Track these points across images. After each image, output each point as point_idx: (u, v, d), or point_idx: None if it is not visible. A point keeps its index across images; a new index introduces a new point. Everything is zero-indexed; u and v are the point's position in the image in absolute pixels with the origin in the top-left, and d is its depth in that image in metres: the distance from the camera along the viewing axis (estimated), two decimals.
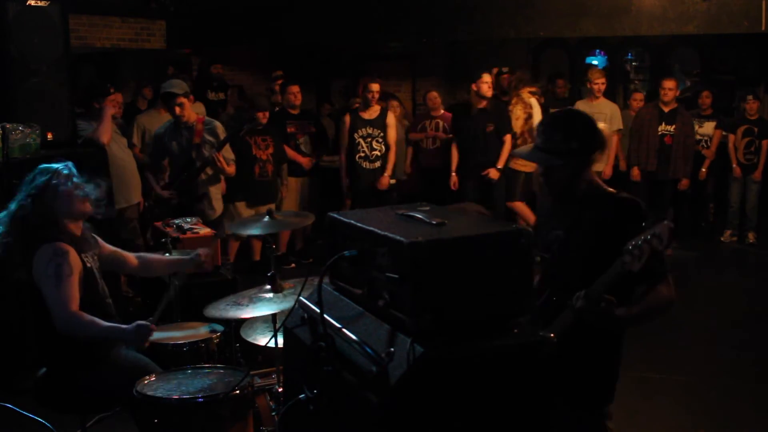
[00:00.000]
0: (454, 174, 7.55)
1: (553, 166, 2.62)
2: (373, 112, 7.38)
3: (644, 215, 2.58)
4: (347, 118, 7.40)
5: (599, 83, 7.91)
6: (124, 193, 6.33)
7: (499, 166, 7.45)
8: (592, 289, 2.45)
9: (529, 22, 8.57)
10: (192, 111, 5.67)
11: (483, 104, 7.44)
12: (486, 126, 7.44)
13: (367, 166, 7.34)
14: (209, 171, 5.62)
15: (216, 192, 5.79)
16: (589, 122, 2.65)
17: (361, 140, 7.31)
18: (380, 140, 7.35)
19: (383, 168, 7.40)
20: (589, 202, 2.65)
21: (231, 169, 5.70)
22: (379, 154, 7.35)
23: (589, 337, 2.58)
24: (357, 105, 7.73)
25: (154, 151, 5.88)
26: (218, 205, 5.79)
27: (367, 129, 7.34)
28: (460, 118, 7.65)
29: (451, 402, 1.99)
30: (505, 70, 8.08)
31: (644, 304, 2.56)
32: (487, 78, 7.41)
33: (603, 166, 7.83)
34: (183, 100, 5.52)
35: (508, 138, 7.46)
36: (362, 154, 7.32)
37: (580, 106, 7.98)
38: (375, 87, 7.29)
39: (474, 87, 7.48)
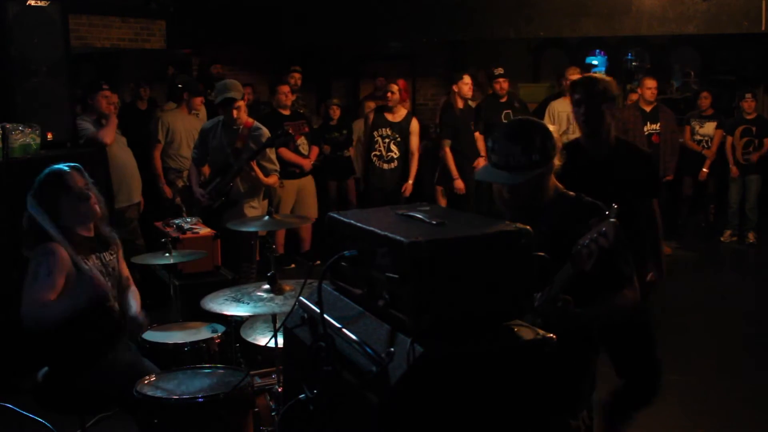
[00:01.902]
0: (459, 179, 7.49)
1: (524, 184, 2.54)
2: (398, 116, 7.40)
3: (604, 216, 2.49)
4: (371, 116, 7.39)
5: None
6: (124, 192, 6.34)
7: (483, 155, 7.66)
8: (548, 290, 2.43)
9: (529, 22, 8.58)
10: (245, 114, 5.47)
11: (463, 103, 7.61)
12: (470, 124, 7.62)
13: (382, 166, 7.34)
14: (246, 184, 5.36)
15: (252, 202, 5.47)
16: (544, 130, 2.58)
17: (379, 139, 7.32)
18: (397, 143, 7.34)
19: (400, 171, 7.41)
20: (554, 209, 2.61)
21: (270, 180, 5.42)
22: (394, 156, 7.37)
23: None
24: (335, 108, 8.03)
25: (199, 143, 5.70)
26: (251, 213, 5.42)
27: (388, 130, 7.34)
28: (448, 119, 7.68)
29: (451, 402, 1.99)
30: (498, 72, 8.02)
31: (606, 306, 2.55)
32: (467, 80, 7.55)
33: None
34: (240, 103, 5.33)
35: (479, 136, 7.74)
36: (378, 153, 7.33)
37: (557, 105, 7.98)
38: (395, 87, 7.38)
39: (455, 88, 7.61)
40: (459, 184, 7.49)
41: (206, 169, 5.80)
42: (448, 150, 7.55)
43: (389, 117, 7.39)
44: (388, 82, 7.55)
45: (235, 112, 5.31)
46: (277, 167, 5.53)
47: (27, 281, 3.15)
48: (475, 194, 7.69)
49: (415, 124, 7.51)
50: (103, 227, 3.47)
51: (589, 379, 2.75)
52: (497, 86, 7.92)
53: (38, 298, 3.09)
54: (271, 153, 5.42)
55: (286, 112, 7.49)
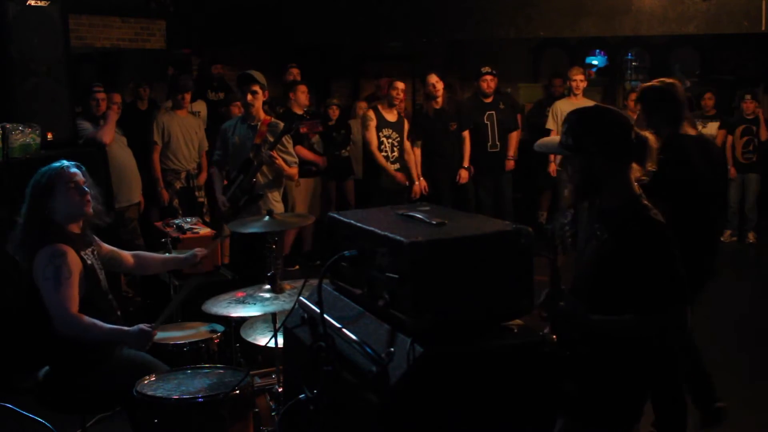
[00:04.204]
0: (422, 179, 7.47)
1: (569, 161, 2.52)
2: (393, 115, 7.37)
3: (662, 240, 2.40)
4: (373, 115, 7.32)
5: (578, 80, 7.88)
6: (124, 192, 6.34)
7: (465, 165, 7.56)
8: (554, 288, 2.41)
9: (529, 22, 8.57)
10: (261, 110, 5.43)
11: (438, 104, 7.47)
12: (449, 125, 7.49)
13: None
14: (269, 174, 5.34)
15: (275, 195, 5.45)
16: (600, 121, 2.50)
17: (384, 139, 7.30)
18: (397, 144, 7.34)
19: (404, 170, 7.41)
20: (611, 215, 2.50)
21: (292, 171, 5.40)
22: (397, 156, 7.36)
23: (617, 352, 2.49)
24: (335, 108, 7.91)
25: (220, 144, 5.63)
26: (276, 207, 5.35)
27: (390, 130, 7.32)
28: (421, 121, 7.64)
29: (451, 402, 1.99)
30: (485, 70, 7.89)
31: (621, 322, 2.41)
32: (433, 79, 7.42)
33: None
34: (257, 89, 5.28)
35: (466, 134, 7.58)
36: (385, 154, 7.32)
37: (561, 105, 7.95)
38: (401, 86, 7.31)
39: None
40: (416, 188, 7.45)
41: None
42: (417, 151, 7.50)
43: (389, 117, 7.35)
44: (392, 81, 7.48)
45: (249, 97, 5.28)
46: (296, 159, 5.54)
47: (48, 285, 3.18)
48: (453, 197, 7.60)
49: (407, 124, 7.48)
50: (87, 228, 3.48)
51: (645, 390, 2.63)
52: (484, 85, 7.79)
53: (66, 306, 3.16)
54: (289, 145, 5.41)
55: (300, 111, 7.49)
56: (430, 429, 1.98)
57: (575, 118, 2.53)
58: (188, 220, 5.50)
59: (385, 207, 2.64)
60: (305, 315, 2.45)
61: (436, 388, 1.97)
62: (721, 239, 8.74)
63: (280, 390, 3.40)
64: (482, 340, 2.06)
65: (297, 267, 7.68)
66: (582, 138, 2.47)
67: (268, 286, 3.44)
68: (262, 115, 5.42)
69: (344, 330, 2.16)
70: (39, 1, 5.28)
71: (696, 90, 10.12)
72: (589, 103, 8.04)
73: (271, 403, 3.49)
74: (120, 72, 9.17)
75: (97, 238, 3.58)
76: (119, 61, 9.29)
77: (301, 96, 7.44)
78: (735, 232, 8.75)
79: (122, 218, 6.31)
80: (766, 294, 7.16)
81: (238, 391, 3.06)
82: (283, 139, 5.25)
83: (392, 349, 1.99)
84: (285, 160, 5.32)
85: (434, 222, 2.20)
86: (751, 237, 8.60)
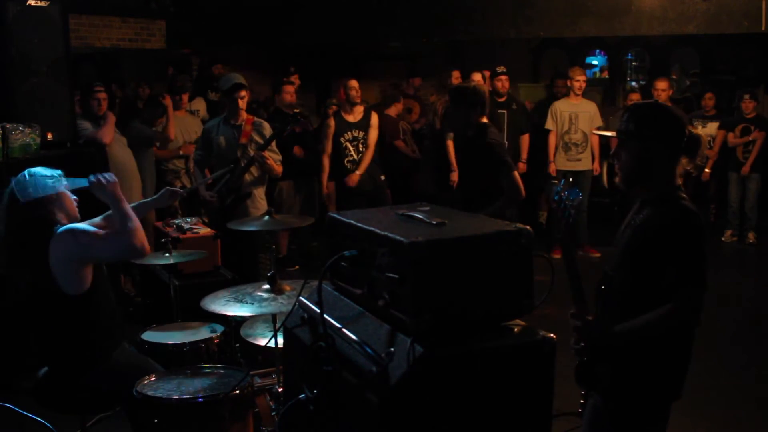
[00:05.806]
0: (455, 171, 7.43)
1: (625, 147, 2.58)
2: (357, 115, 7.21)
3: (693, 229, 2.52)
4: (331, 122, 7.23)
5: (580, 80, 7.87)
6: (124, 192, 6.29)
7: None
8: (578, 309, 2.48)
9: (529, 22, 8.57)
10: (243, 110, 5.54)
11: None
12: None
13: (355, 170, 7.16)
14: (255, 172, 5.44)
15: (260, 192, 5.56)
16: (659, 112, 2.59)
17: (348, 144, 7.15)
18: (365, 143, 7.19)
19: (374, 169, 7.25)
20: (650, 203, 2.58)
21: (279, 169, 5.54)
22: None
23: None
24: (334, 108, 7.69)
25: (202, 144, 5.70)
26: (262, 205, 5.50)
27: (353, 132, 7.16)
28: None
29: (451, 402, 1.99)
30: (501, 70, 7.92)
31: (644, 321, 2.50)
32: (476, 77, 7.49)
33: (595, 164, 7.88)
34: (245, 93, 5.44)
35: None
36: (350, 158, 7.17)
37: (559, 105, 7.93)
38: (353, 83, 7.16)
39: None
40: (454, 176, 7.42)
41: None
42: (450, 143, 7.42)
43: (349, 118, 7.19)
44: (345, 83, 7.28)
45: (240, 102, 5.38)
46: (281, 157, 5.61)
47: (94, 241, 3.18)
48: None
49: (374, 118, 7.28)
50: None
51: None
52: (498, 84, 7.81)
53: (116, 236, 3.25)
54: (273, 143, 5.48)
55: (290, 111, 7.45)
56: (429, 429, 1.98)
57: (638, 107, 2.65)
58: (188, 220, 5.50)
59: (384, 207, 2.64)
60: (305, 315, 2.45)
61: (436, 387, 1.97)
62: (722, 239, 8.76)
63: (280, 390, 3.40)
64: (482, 340, 2.06)
65: (297, 267, 7.67)
66: (643, 125, 2.55)
67: (267, 286, 3.44)
68: (244, 114, 5.52)
69: (344, 330, 2.16)
70: (39, 1, 5.28)
71: (696, 90, 10.13)
72: (590, 103, 8.06)
73: (271, 403, 3.49)
74: (120, 72, 9.18)
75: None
76: (119, 61, 9.30)
77: (287, 96, 7.38)
78: (735, 232, 8.75)
79: None
80: (766, 294, 7.16)
81: (238, 391, 3.06)
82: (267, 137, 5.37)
83: (392, 349, 1.99)
84: (273, 159, 5.41)
85: (434, 222, 2.20)
86: (751, 237, 8.59)
